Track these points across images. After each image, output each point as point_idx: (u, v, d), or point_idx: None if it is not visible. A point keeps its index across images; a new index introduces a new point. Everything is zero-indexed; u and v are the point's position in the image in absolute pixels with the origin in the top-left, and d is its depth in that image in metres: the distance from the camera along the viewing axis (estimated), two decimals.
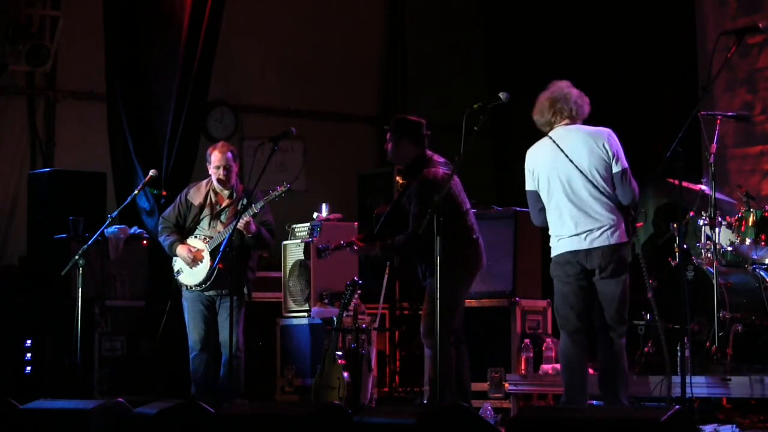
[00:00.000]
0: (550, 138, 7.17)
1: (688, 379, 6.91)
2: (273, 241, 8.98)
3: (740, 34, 7.16)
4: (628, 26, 11.19)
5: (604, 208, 7.07)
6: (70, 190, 10.51)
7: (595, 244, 7.07)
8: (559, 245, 7.16)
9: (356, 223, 9.78)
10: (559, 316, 7.21)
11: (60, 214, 10.26)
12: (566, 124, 7.20)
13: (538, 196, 7.23)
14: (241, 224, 8.41)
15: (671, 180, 7.77)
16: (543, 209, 7.24)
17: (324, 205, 9.95)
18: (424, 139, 7.90)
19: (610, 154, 7.09)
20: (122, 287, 10.29)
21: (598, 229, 7.07)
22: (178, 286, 8.99)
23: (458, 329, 7.67)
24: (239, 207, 8.52)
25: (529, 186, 7.28)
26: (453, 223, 7.64)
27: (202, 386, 8.78)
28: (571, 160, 7.08)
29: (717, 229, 8.49)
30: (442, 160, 7.86)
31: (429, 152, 7.88)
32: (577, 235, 7.09)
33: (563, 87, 7.27)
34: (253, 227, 8.56)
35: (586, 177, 7.07)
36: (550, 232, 7.25)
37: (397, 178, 10.08)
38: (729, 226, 8.69)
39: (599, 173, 7.07)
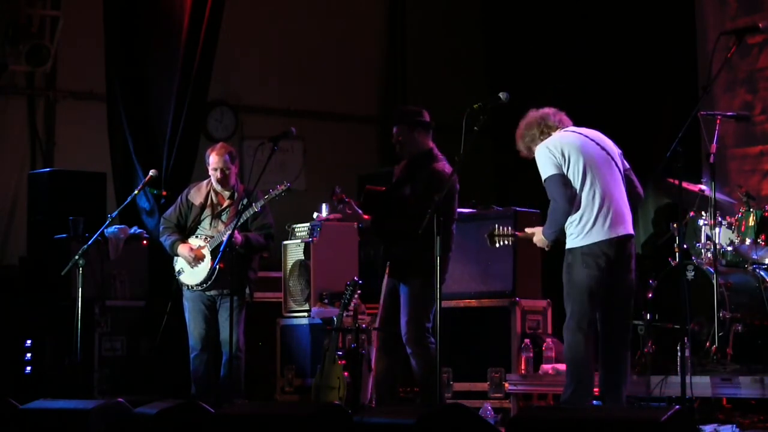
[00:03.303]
0: (567, 129, 7.14)
1: (688, 379, 6.91)
2: (270, 244, 8.93)
3: (740, 34, 7.16)
4: (628, 26, 11.19)
5: (624, 199, 7.11)
6: (70, 190, 10.51)
7: (625, 233, 7.02)
8: (592, 234, 6.95)
9: (356, 224, 9.77)
10: (576, 311, 6.96)
11: (60, 214, 10.26)
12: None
13: (569, 179, 7.00)
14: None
15: (671, 180, 7.77)
16: (575, 192, 7.00)
17: (324, 205, 9.95)
18: (432, 130, 7.96)
19: (621, 152, 7.24)
20: (122, 287, 10.29)
21: (624, 218, 7.06)
22: (178, 286, 8.99)
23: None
24: (240, 207, 8.52)
25: (555, 169, 7.01)
26: (447, 227, 7.67)
27: (202, 386, 8.78)
28: (602, 147, 7.09)
29: (717, 229, 8.49)
30: (442, 156, 7.91)
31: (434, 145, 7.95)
32: (610, 222, 6.98)
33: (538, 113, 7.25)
34: (238, 239, 8.52)
35: (617, 165, 7.09)
36: (575, 221, 6.99)
37: None
38: (729, 226, 8.69)
39: (623, 167, 7.16)
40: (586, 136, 7.12)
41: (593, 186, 6.98)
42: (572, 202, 6.98)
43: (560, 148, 7.02)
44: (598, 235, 6.97)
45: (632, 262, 7.10)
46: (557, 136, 7.13)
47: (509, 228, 7.31)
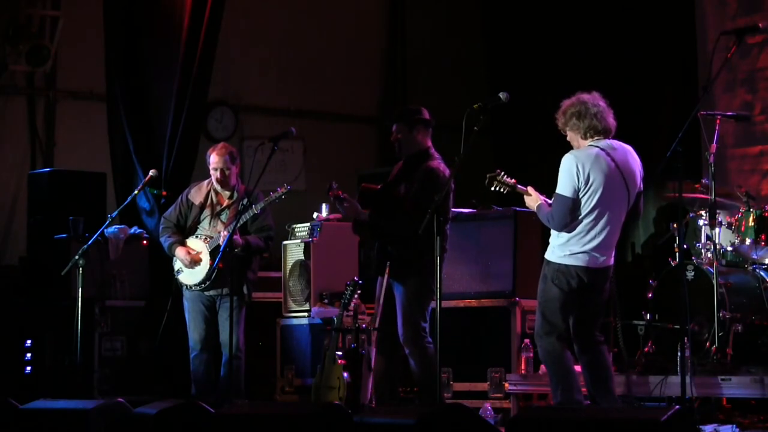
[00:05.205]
0: (603, 150, 7.01)
1: (688, 379, 6.91)
2: (269, 246, 8.92)
3: (740, 34, 7.16)
4: (628, 26, 11.19)
5: (619, 231, 7.10)
6: (70, 190, 10.51)
7: (605, 265, 7.09)
8: (572, 257, 7.02)
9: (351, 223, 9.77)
10: (548, 323, 7.07)
11: (60, 214, 10.26)
12: (602, 139, 7.07)
13: (580, 205, 6.99)
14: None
15: (672, 194, 7.77)
16: (576, 219, 7.01)
17: (324, 205, 9.95)
18: (431, 128, 7.96)
19: (641, 174, 7.16)
20: (122, 287, 10.28)
21: (611, 250, 7.08)
22: (178, 286, 8.99)
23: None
24: (240, 207, 8.52)
25: (571, 192, 6.98)
26: (443, 227, 7.67)
27: (202, 386, 8.79)
28: (625, 179, 7.02)
29: (717, 229, 8.49)
30: (438, 155, 7.92)
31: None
32: (594, 253, 7.02)
33: (599, 101, 7.14)
34: (239, 241, 8.52)
35: (629, 198, 7.05)
36: (562, 239, 7.06)
37: None
38: (729, 226, 8.69)
39: (635, 195, 7.10)
40: (616, 165, 7.00)
41: (597, 219, 6.99)
42: (566, 228, 7.02)
43: (587, 173, 6.95)
44: (578, 261, 7.03)
45: (606, 285, 7.16)
46: (592, 154, 6.99)
47: (513, 179, 7.23)
